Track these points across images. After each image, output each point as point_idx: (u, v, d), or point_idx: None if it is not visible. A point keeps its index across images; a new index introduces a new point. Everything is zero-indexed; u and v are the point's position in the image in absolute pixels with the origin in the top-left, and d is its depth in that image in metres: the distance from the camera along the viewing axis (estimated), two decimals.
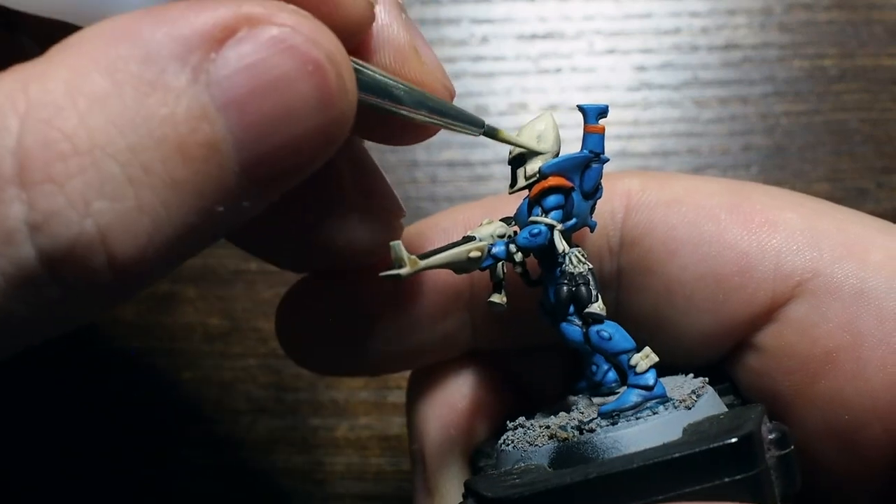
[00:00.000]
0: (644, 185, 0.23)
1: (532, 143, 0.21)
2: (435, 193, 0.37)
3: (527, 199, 0.21)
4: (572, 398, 0.23)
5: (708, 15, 0.38)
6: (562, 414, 0.22)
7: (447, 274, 0.22)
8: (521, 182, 0.21)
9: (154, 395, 0.36)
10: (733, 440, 0.19)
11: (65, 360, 0.36)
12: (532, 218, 0.21)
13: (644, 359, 0.21)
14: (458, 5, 0.38)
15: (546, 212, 0.21)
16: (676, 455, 0.19)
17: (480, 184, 0.37)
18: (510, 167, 0.22)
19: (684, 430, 0.20)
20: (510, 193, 0.22)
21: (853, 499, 0.22)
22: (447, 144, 0.37)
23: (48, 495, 0.35)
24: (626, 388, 0.21)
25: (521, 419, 0.22)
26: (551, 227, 0.21)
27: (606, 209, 0.23)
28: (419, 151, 0.37)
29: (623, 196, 0.23)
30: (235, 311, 0.36)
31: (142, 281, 0.17)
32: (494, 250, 0.21)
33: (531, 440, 0.21)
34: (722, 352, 0.23)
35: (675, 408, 0.20)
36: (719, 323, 0.23)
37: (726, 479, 0.19)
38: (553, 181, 0.21)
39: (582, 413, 0.21)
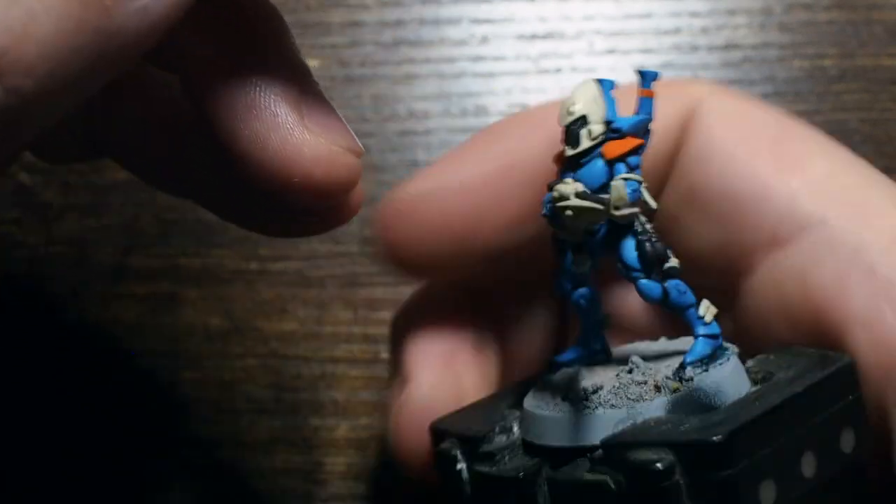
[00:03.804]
0: (711, 94, 0.24)
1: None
2: None
3: (598, 159, 0.21)
4: (619, 358, 0.23)
5: (708, 15, 0.38)
6: (626, 372, 0.21)
7: (539, 158, 0.22)
8: (586, 143, 0.21)
9: (154, 396, 0.36)
10: (847, 361, 0.20)
11: (65, 361, 0.36)
12: (625, 175, 0.21)
13: (707, 309, 0.21)
14: (458, 5, 0.38)
15: (632, 169, 0.21)
16: (819, 378, 0.20)
17: None
18: (567, 128, 0.21)
19: (749, 370, 0.21)
20: (571, 155, 0.21)
21: None
22: (447, 144, 0.37)
23: (49, 496, 0.35)
24: (699, 338, 0.21)
25: (590, 385, 0.21)
26: (640, 184, 0.21)
27: (670, 110, 0.23)
28: (419, 151, 0.37)
29: (689, 99, 0.24)
30: (235, 311, 0.36)
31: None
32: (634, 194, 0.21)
33: (634, 397, 0.20)
34: (722, 276, 0.24)
35: (733, 353, 0.21)
36: (725, 240, 0.23)
37: (850, 397, 0.20)
38: (638, 139, 0.21)
39: (649, 369, 0.21)
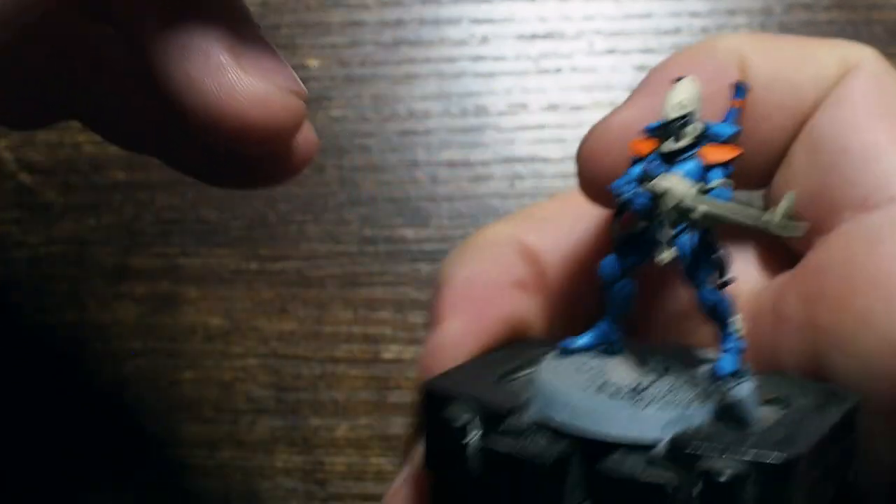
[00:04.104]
0: (872, 57, 0.24)
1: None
2: (435, 193, 0.37)
3: (694, 159, 0.21)
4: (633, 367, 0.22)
5: (708, 15, 0.38)
6: (658, 373, 0.22)
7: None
8: (689, 140, 0.21)
9: (154, 396, 0.36)
10: (858, 398, 0.21)
11: (65, 361, 0.36)
12: (720, 182, 0.21)
13: (741, 324, 0.21)
14: (458, 5, 0.38)
15: (725, 178, 0.21)
16: (847, 409, 0.20)
17: (481, 184, 0.37)
18: (672, 121, 0.21)
19: (760, 387, 0.21)
20: (672, 150, 0.21)
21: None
22: (447, 144, 0.37)
23: (49, 496, 0.35)
24: (729, 352, 0.21)
25: (632, 379, 0.21)
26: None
27: (832, 61, 0.24)
28: (419, 151, 0.37)
29: (852, 57, 0.24)
30: (236, 311, 0.36)
31: None
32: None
33: (686, 401, 0.20)
34: (796, 231, 0.24)
35: (749, 370, 0.21)
36: (819, 191, 0.23)
37: (855, 432, 0.21)
38: (738, 149, 0.21)
39: (684, 374, 0.21)
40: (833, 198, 0.23)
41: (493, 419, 0.20)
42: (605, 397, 0.20)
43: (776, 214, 0.19)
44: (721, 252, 0.21)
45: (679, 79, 0.22)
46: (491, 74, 0.38)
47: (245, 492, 0.35)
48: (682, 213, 0.20)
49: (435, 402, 0.21)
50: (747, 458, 0.18)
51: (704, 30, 0.38)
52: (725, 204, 0.20)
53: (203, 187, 0.37)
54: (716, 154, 0.21)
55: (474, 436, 0.20)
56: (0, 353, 0.36)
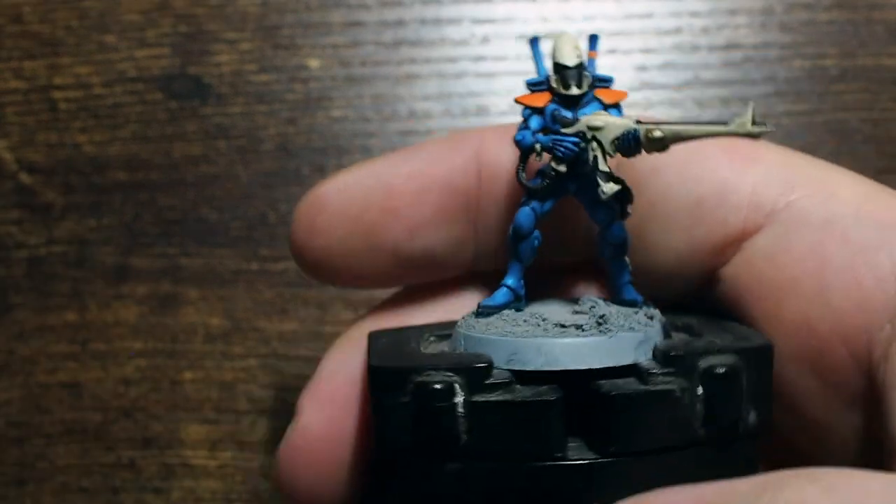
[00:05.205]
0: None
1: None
2: None
3: (595, 101, 0.22)
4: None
5: (709, 15, 0.38)
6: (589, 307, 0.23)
7: (451, 172, 0.24)
8: (588, 84, 0.22)
9: (155, 396, 0.36)
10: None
11: (65, 361, 0.36)
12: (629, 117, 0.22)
13: None
14: (459, 5, 0.38)
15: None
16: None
17: None
18: (569, 69, 0.22)
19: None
20: (576, 94, 0.22)
21: (828, 432, 0.22)
22: None
23: (49, 496, 0.35)
24: (630, 284, 0.23)
25: (584, 314, 0.22)
26: None
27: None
28: None
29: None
30: (236, 311, 0.36)
31: None
32: None
33: (643, 323, 0.22)
34: (692, 280, 0.24)
35: None
36: (693, 244, 0.24)
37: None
38: (623, 90, 0.23)
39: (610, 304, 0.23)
40: (710, 244, 0.24)
41: (474, 377, 0.20)
42: (574, 335, 0.21)
43: (747, 120, 0.20)
44: (626, 185, 0.22)
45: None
46: (492, 74, 0.38)
47: (246, 492, 0.35)
48: (625, 144, 0.21)
49: (396, 378, 0.20)
50: (738, 346, 0.20)
51: (705, 29, 0.38)
52: (680, 123, 0.21)
53: (204, 187, 0.37)
54: (611, 95, 0.22)
55: (460, 397, 0.20)
56: (0, 353, 0.36)
